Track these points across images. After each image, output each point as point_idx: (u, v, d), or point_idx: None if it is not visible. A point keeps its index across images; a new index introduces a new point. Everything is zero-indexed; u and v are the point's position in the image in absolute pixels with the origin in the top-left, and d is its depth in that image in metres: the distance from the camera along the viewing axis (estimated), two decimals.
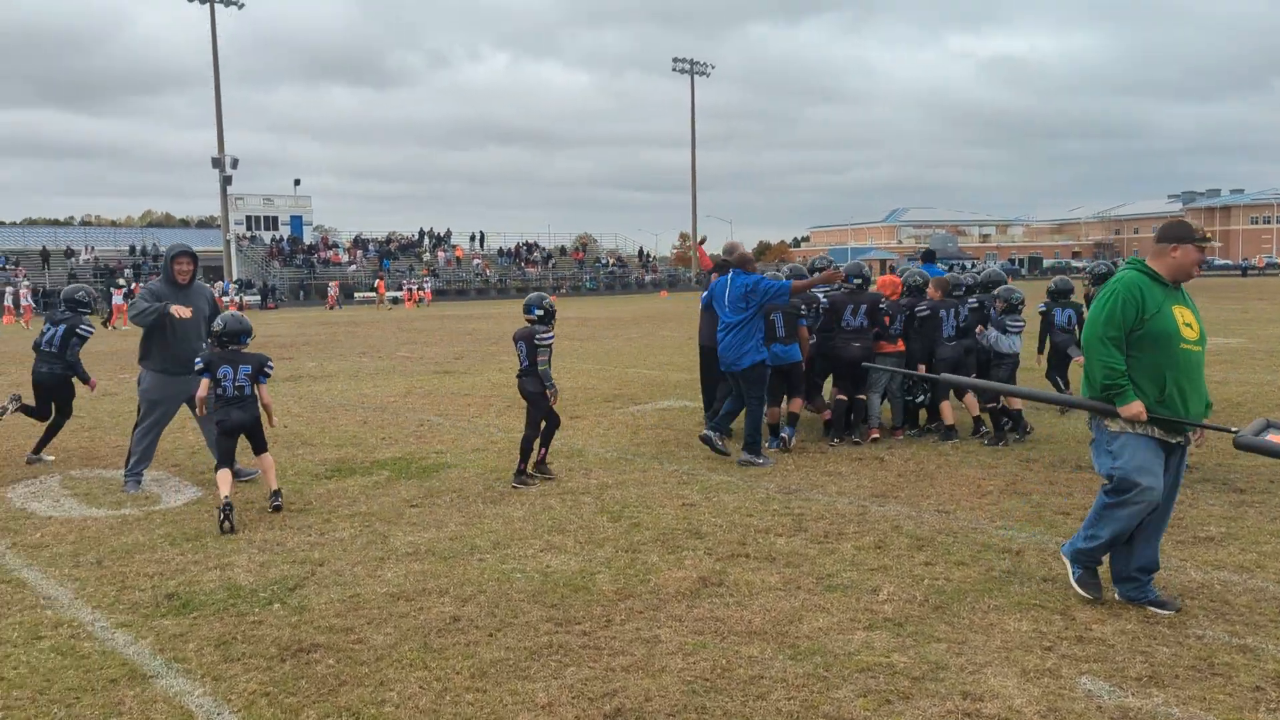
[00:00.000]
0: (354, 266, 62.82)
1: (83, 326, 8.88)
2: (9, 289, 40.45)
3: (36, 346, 8.88)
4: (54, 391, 8.85)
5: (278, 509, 6.82)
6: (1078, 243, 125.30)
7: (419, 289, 51.96)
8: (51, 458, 8.89)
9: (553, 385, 7.62)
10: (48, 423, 8.88)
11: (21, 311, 36.05)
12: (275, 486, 6.97)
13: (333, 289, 49.68)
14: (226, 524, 6.31)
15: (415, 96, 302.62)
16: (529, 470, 7.66)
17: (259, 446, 7.07)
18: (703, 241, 11.57)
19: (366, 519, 6.60)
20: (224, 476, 6.69)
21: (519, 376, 7.74)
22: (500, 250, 73.16)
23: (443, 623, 4.67)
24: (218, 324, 7.04)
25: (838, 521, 6.31)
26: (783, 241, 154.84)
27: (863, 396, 9.14)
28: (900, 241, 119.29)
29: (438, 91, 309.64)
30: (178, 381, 7.67)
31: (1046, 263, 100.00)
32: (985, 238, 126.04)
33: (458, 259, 68.87)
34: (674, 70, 75.36)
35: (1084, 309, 8.81)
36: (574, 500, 7.02)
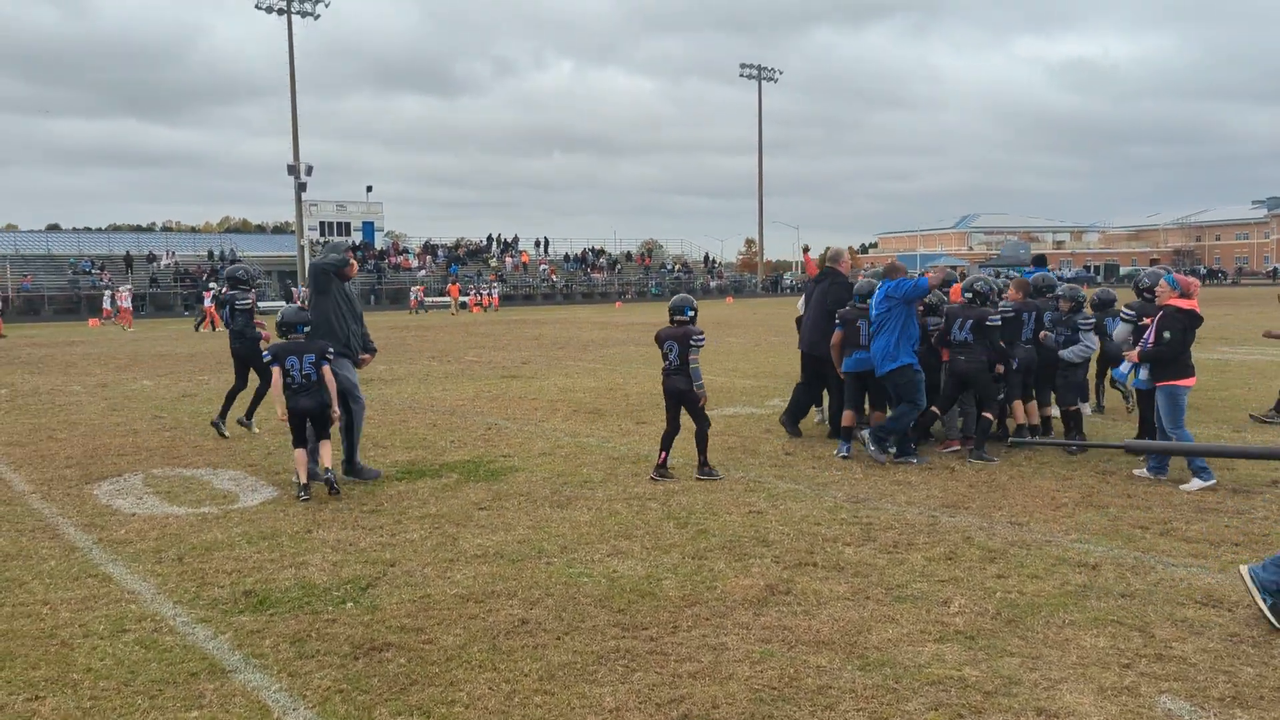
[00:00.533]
0: (424, 272, 63.85)
1: (239, 300, 10.36)
2: (107, 292, 42.03)
3: (226, 324, 10.97)
4: (245, 361, 10.32)
5: (334, 491, 7.37)
6: (1156, 250, 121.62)
7: (486, 294, 52.56)
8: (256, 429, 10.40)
9: (702, 384, 7.85)
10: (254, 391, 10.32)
11: (118, 313, 37.43)
12: (328, 465, 7.52)
13: (417, 292, 49.94)
14: (304, 495, 7.29)
15: (482, 104, 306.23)
16: (663, 467, 7.98)
17: (321, 432, 7.57)
18: (807, 250, 11.65)
19: (436, 520, 6.70)
20: (300, 456, 7.46)
21: (668, 375, 7.95)
22: (566, 255, 73.75)
23: (511, 625, 4.72)
24: (279, 315, 7.68)
25: (907, 531, 6.23)
26: (851, 248, 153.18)
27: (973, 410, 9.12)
28: (971, 248, 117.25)
29: (504, 98, 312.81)
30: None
31: (1123, 270, 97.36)
32: (1059, 244, 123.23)
33: (524, 264, 69.59)
34: (741, 76, 75.42)
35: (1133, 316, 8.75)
36: (640, 506, 7.04)
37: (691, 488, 7.57)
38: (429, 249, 69.63)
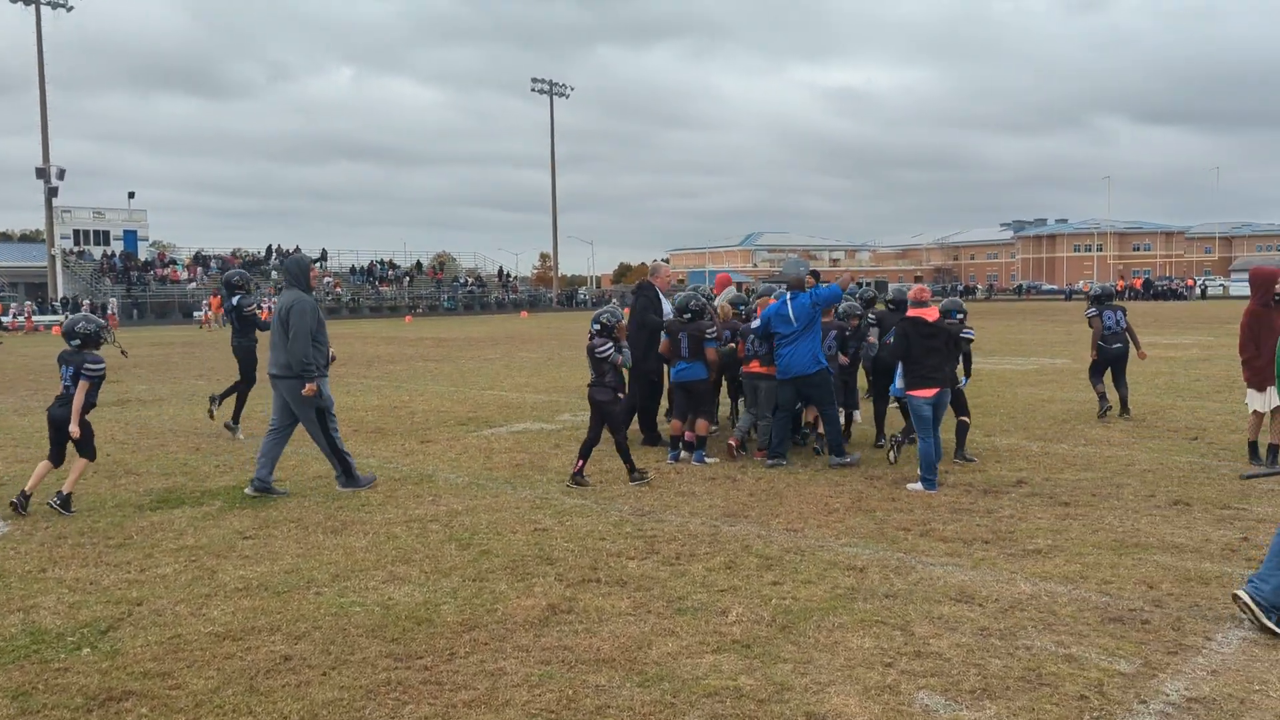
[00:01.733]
0: (194, 284, 59.88)
1: (240, 299, 11.99)
2: None
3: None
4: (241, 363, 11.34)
5: (58, 510, 7.17)
6: (919, 267, 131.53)
7: (266, 308, 49.68)
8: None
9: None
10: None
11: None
12: (67, 491, 7.24)
13: (208, 305, 45.04)
14: (18, 507, 7.14)
15: (256, 108, 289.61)
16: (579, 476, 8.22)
17: (82, 450, 7.33)
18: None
19: (194, 553, 6.19)
20: (41, 469, 7.34)
21: (592, 385, 8.26)
22: (353, 268, 71.20)
23: (272, 663, 4.39)
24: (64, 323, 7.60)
25: (690, 543, 6.30)
26: (643, 263, 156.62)
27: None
28: (755, 265, 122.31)
29: (280, 104, 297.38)
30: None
31: (892, 286, 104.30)
32: (835, 261, 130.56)
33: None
34: (533, 90, 75.53)
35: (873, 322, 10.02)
36: (421, 528, 6.78)
37: (476, 508, 7.38)
38: (200, 260, 65.39)
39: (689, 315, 9.17)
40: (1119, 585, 5.36)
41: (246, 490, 7.92)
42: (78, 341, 7.30)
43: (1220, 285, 74.28)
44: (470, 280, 76.42)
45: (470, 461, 9.36)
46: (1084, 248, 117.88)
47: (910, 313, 8.13)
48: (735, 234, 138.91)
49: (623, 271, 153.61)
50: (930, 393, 7.91)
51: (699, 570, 5.71)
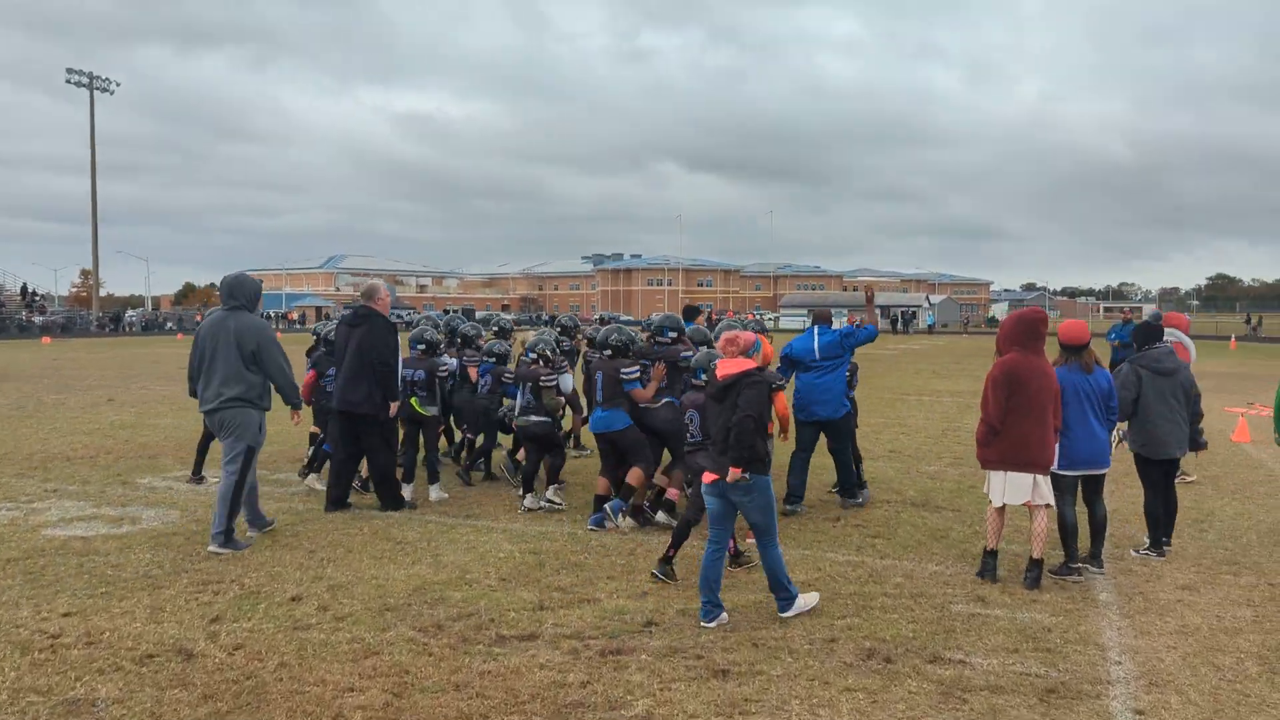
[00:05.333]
0: None
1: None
2: None
3: None
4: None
5: None
6: (506, 296, 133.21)
7: None
8: None
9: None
10: None
11: None
12: None
13: None
14: None
15: None
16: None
17: None
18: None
19: None
20: None
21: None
22: None
23: None
24: None
25: None
26: (211, 284, 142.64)
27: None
28: (338, 289, 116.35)
29: None
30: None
31: (479, 314, 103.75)
32: (423, 288, 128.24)
33: None
34: (69, 82, 64.80)
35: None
36: None
37: None
38: None
39: (608, 351, 8.02)
40: None
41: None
42: None
43: (772, 318, 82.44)
44: None
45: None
46: (656, 281, 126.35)
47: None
48: (316, 256, 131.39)
49: (186, 291, 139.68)
50: (708, 479, 5.83)
51: None
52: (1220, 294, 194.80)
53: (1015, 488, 6.46)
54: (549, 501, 8.56)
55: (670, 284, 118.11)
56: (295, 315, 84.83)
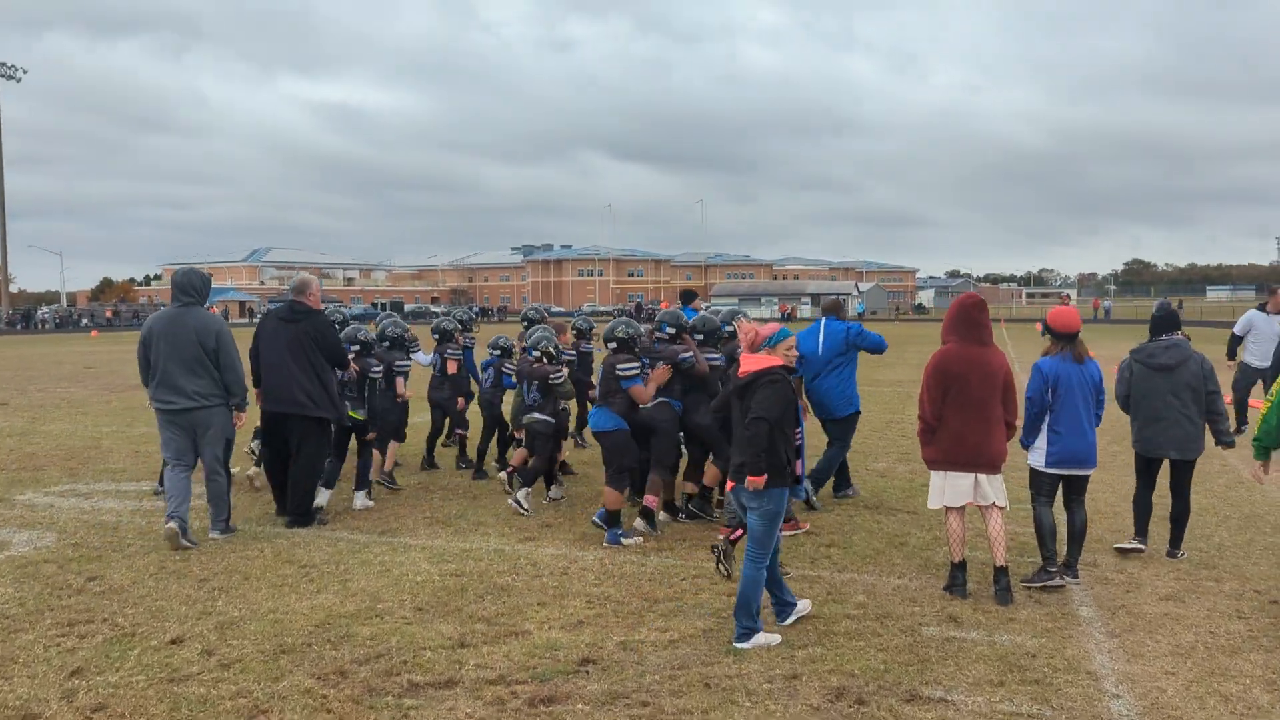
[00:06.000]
0: None
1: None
2: None
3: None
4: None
5: None
6: (436, 288, 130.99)
7: None
8: None
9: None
10: None
11: None
12: None
13: None
14: None
15: None
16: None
17: None
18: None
19: None
20: None
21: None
22: None
23: None
24: None
25: None
26: (131, 279, 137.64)
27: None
28: (263, 282, 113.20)
29: None
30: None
31: (408, 307, 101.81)
32: (350, 281, 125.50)
33: None
34: None
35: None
36: None
37: None
38: None
39: (613, 344, 7.56)
40: None
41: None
42: None
43: (707, 307, 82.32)
44: None
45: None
46: (587, 272, 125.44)
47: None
48: (239, 249, 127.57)
49: (104, 286, 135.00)
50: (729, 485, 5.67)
51: None
52: (1136, 279, 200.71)
53: (954, 489, 5.93)
54: (516, 502, 8.13)
55: (601, 274, 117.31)
56: (218, 309, 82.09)
